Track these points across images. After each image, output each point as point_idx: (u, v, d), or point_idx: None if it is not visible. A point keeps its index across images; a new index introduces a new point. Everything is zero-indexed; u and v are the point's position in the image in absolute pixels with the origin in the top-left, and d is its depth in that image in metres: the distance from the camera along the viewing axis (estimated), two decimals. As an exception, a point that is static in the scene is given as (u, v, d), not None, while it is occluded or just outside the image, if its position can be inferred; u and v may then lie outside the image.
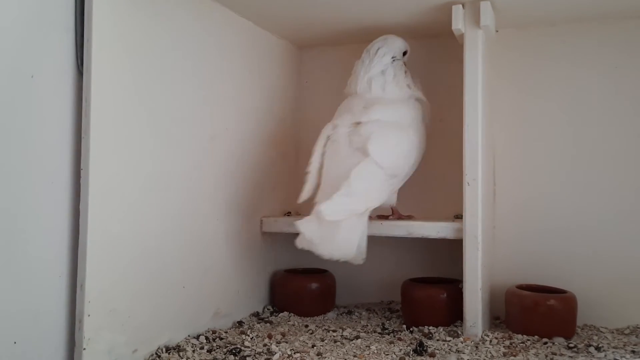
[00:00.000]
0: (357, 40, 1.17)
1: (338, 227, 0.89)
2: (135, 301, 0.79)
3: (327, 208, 0.87)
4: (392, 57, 1.02)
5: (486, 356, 0.84)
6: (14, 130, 0.66)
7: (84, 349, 0.70)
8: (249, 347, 0.86)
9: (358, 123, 0.98)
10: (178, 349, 0.84)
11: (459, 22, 0.94)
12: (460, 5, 0.94)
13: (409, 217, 1.05)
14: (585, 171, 1.04)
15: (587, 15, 1.02)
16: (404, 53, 1.04)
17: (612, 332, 0.96)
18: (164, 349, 0.83)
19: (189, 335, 0.89)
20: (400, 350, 0.86)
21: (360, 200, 0.92)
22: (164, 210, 0.84)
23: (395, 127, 0.98)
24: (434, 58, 1.06)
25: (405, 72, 1.03)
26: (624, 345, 0.88)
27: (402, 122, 0.99)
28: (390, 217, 1.05)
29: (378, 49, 1.02)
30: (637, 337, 0.93)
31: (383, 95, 1.01)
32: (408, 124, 0.99)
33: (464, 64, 0.94)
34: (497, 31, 1.06)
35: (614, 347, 0.87)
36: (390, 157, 0.96)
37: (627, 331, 0.96)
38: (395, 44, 1.03)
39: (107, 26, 0.74)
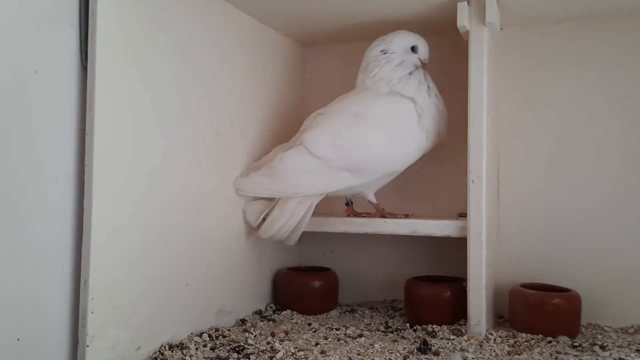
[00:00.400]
0: (361, 38, 1.17)
1: (273, 211, 0.98)
2: (139, 298, 0.78)
3: (238, 182, 0.99)
4: (382, 51, 1.01)
5: (490, 355, 0.83)
6: (18, 126, 0.66)
7: (88, 346, 0.70)
8: (252, 345, 0.86)
9: (321, 114, 1.02)
10: (181, 346, 0.84)
11: (464, 19, 0.94)
12: (466, 2, 0.94)
13: (405, 216, 1.04)
14: (590, 169, 1.03)
15: (593, 13, 1.01)
16: (413, 49, 1.01)
17: (617, 331, 0.96)
18: (167, 347, 0.82)
19: (192, 333, 0.89)
20: (404, 348, 0.85)
21: (285, 185, 0.97)
22: (168, 207, 0.84)
23: (355, 120, 0.98)
24: (439, 55, 1.06)
25: (399, 64, 0.99)
26: (629, 344, 0.88)
27: (369, 117, 0.98)
28: (368, 214, 1.04)
29: (377, 42, 1.03)
30: (641, 336, 0.93)
31: (364, 88, 1.02)
32: (378, 119, 0.98)
33: (469, 61, 0.94)
34: (501, 29, 1.06)
35: (618, 346, 0.87)
36: (329, 148, 0.97)
37: (631, 330, 0.96)
38: (395, 39, 1.01)
39: (112, 20, 0.73)
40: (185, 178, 0.87)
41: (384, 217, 1.03)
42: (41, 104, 0.68)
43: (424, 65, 1.02)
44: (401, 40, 1.01)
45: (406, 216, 1.04)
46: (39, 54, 0.68)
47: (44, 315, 0.69)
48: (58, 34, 0.70)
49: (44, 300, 0.69)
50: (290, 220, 0.98)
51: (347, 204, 1.09)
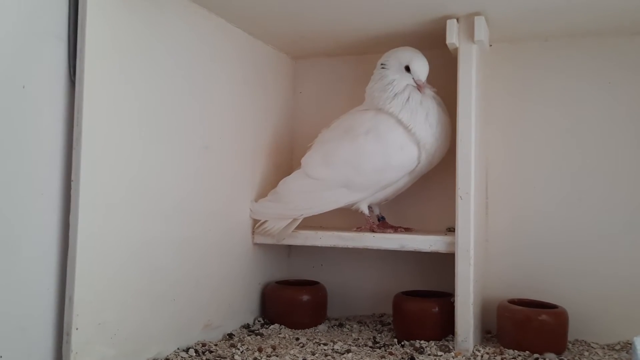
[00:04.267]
0: (351, 52, 1.18)
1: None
2: (125, 314, 0.78)
3: (252, 207, 1.07)
4: (381, 64, 1.01)
5: (477, 372, 0.83)
6: (3, 141, 0.65)
7: (72, 363, 0.69)
8: (239, 360, 0.85)
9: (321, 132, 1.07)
10: (167, 362, 0.83)
11: (453, 36, 0.94)
12: (455, 20, 0.95)
13: (395, 231, 1.04)
14: (579, 186, 1.04)
15: (581, 31, 1.02)
16: (407, 68, 0.98)
17: (603, 348, 0.96)
18: (152, 362, 0.82)
19: (178, 348, 0.88)
20: (392, 365, 0.85)
21: (288, 207, 1.03)
22: (155, 221, 0.83)
23: (344, 136, 1.01)
24: (430, 70, 1.06)
25: (390, 83, 0.98)
26: (615, 362, 0.88)
27: (355, 132, 1.00)
28: (359, 228, 1.05)
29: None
30: (628, 353, 0.93)
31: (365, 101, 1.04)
32: (364, 133, 0.99)
33: (457, 78, 0.94)
34: (490, 45, 1.06)
35: (605, 364, 0.87)
36: (322, 168, 1.02)
37: (617, 347, 0.96)
38: (393, 55, 1.00)
39: (101, 35, 0.73)
40: (173, 192, 0.87)
41: (373, 231, 1.03)
42: (28, 119, 0.68)
43: (419, 87, 0.98)
44: (396, 57, 0.99)
45: (395, 230, 1.04)
46: (26, 69, 0.68)
47: (27, 332, 0.68)
48: (46, 49, 0.70)
49: (27, 316, 0.68)
50: (281, 221, 1.04)
51: (379, 219, 1.09)
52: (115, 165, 0.76)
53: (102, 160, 0.74)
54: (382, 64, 1.01)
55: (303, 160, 1.06)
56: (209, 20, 0.96)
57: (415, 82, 0.98)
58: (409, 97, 0.98)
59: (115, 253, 0.76)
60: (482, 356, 0.90)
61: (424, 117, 0.98)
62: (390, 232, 1.02)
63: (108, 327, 0.75)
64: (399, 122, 0.98)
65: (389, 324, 1.10)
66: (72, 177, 0.71)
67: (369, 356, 0.90)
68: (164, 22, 0.85)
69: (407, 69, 0.98)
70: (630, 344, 0.95)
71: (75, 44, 0.72)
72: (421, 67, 0.98)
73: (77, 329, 0.70)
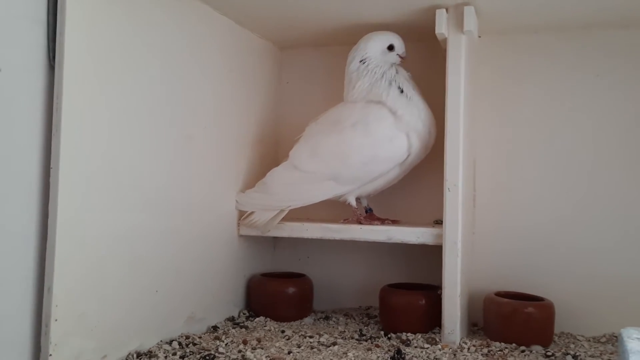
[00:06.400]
0: (338, 42, 1.16)
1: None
2: (106, 305, 0.76)
3: (239, 198, 1.05)
4: (361, 61, 1.00)
5: (464, 364, 0.83)
6: (-20, 126, 0.63)
7: (50, 355, 0.67)
8: (223, 353, 0.84)
9: (309, 125, 1.06)
10: (149, 355, 0.81)
11: (442, 26, 0.93)
12: (444, 10, 0.94)
13: (382, 222, 1.03)
14: (567, 179, 1.04)
15: (570, 24, 1.02)
16: (390, 47, 1.00)
17: (589, 341, 0.96)
18: (135, 355, 0.80)
19: (161, 341, 0.87)
20: (378, 357, 0.84)
21: (276, 199, 1.02)
22: (137, 211, 0.81)
23: (332, 129, 1.00)
24: (418, 62, 1.05)
25: (375, 68, 0.99)
26: (601, 354, 0.88)
27: (343, 124, 0.99)
28: (345, 220, 1.05)
29: (353, 54, 1.02)
30: (613, 345, 0.93)
31: (348, 101, 1.03)
32: (352, 125, 0.98)
33: (446, 68, 0.94)
34: (479, 37, 1.06)
35: (590, 356, 0.87)
36: (310, 161, 1.01)
37: (603, 339, 0.97)
38: (369, 44, 1.00)
39: (81, 19, 0.71)
40: (155, 181, 0.85)
41: (360, 223, 1.02)
42: (5, 104, 0.65)
43: (402, 59, 1.02)
44: (375, 44, 1.00)
45: (382, 222, 1.03)
46: (3, 51, 0.65)
47: (4, 323, 0.66)
48: (24, 32, 0.67)
49: (4, 307, 0.66)
50: (268, 212, 1.03)
51: (366, 211, 1.08)
52: (96, 153, 0.74)
53: (83, 148, 0.72)
54: (361, 60, 1.00)
55: (291, 153, 1.04)
56: (193, 6, 0.94)
57: (400, 57, 1.02)
58: (389, 78, 1.00)
59: (96, 243, 0.74)
60: (468, 348, 0.89)
61: (411, 94, 0.99)
62: (377, 224, 1.01)
63: (88, 319, 0.73)
64: (389, 110, 0.97)
65: (376, 316, 1.09)
66: (51, 165, 0.69)
67: (355, 349, 0.89)
68: (145, 6, 0.82)
69: (391, 48, 1.01)
70: (616, 336, 0.96)
71: (54, 28, 0.69)
72: (401, 40, 1.03)
73: (56, 320, 0.68)
